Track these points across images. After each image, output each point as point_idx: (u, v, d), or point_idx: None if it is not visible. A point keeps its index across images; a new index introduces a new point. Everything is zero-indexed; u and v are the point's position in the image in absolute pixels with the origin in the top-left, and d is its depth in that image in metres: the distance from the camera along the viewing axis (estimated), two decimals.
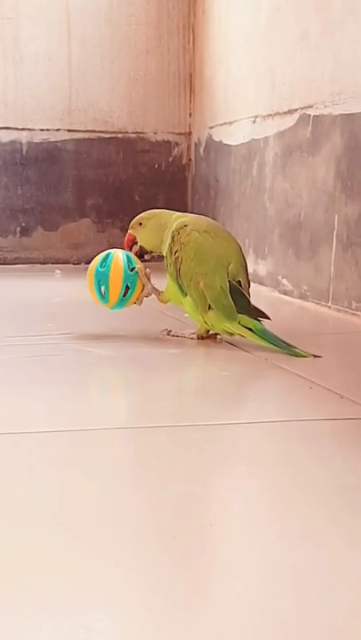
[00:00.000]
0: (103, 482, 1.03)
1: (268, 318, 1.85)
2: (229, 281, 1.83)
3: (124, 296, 1.93)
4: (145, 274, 1.94)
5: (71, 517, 0.91)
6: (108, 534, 0.86)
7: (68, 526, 0.88)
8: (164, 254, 1.93)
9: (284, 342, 1.77)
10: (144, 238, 1.97)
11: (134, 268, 1.92)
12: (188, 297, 1.89)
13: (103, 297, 1.93)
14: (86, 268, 1.99)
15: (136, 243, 1.98)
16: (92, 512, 0.92)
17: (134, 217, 2.01)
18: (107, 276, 1.91)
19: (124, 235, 2.03)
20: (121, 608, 0.71)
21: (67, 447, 1.16)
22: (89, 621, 0.68)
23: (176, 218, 1.96)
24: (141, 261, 1.96)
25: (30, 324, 2.17)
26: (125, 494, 0.99)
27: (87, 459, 1.12)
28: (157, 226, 1.96)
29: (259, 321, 1.83)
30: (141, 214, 2.00)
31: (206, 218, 2.01)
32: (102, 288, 1.92)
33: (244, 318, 1.82)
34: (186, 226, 1.89)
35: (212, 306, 1.84)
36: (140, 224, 1.98)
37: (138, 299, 1.96)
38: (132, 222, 2.00)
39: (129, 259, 1.93)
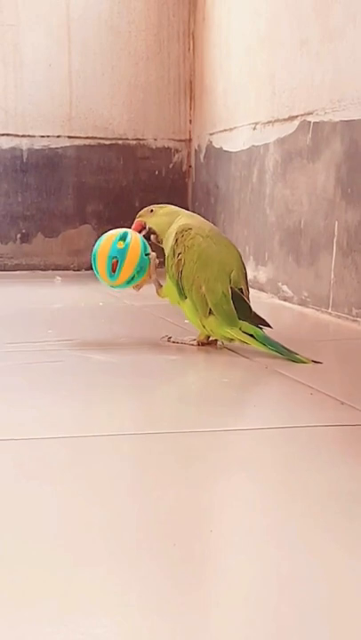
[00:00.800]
0: (103, 488, 1.03)
1: (270, 326, 1.85)
2: (231, 287, 1.84)
3: (132, 278, 1.92)
4: (155, 263, 1.93)
5: (71, 523, 0.91)
6: (108, 540, 0.86)
7: (68, 532, 0.88)
8: (166, 254, 1.93)
9: (285, 348, 1.77)
10: (154, 222, 1.97)
11: (149, 253, 1.92)
12: (187, 300, 1.89)
13: (113, 275, 1.91)
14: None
15: (145, 227, 1.97)
16: (91, 518, 0.92)
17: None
18: (124, 255, 1.89)
19: None
20: (121, 614, 0.70)
21: (66, 454, 1.16)
22: (89, 627, 0.68)
23: (184, 215, 1.97)
24: (147, 242, 1.96)
25: (30, 330, 2.17)
26: (125, 500, 0.99)
27: (87, 465, 1.12)
28: (169, 212, 1.98)
29: (260, 328, 1.83)
30: (148, 207, 2.02)
31: (209, 223, 2.01)
32: (115, 265, 1.90)
33: (246, 325, 1.82)
34: (190, 229, 1.89)
35: (213, 311, 1.84)
36: (152, 211, 1.99)
37: (139, 285, 1.95)
38: (142, 211, 2.00)
39: (144, 243, 1.93)
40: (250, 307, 1.85)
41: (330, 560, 0.81)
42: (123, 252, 1.90)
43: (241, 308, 1.83)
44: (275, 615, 0.71)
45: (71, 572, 0.78)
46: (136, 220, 2.00)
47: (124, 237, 1.91)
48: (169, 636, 0.67)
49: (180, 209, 2.01)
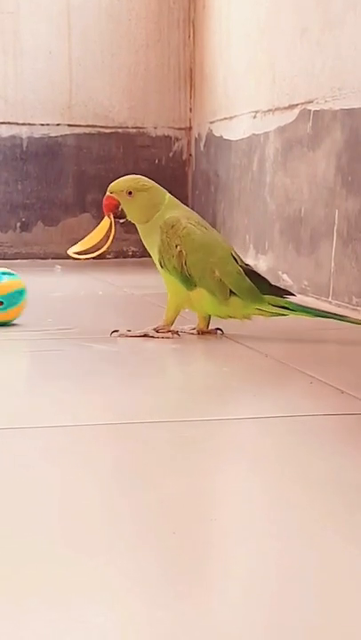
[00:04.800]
0: (103, 476, 1.03)
1: (293, 294, 1.87)
2: (241, 265, 1.86)
3: None
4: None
5: (71, 511, 0.91)
6: (108, 528, 0.86)
7: (68, 520, 0.88)
8: (154, 249, 1.87)
9: (326, 311, 1.80)
10: (131, 211, 1.86)
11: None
12: (197, 289, 1.87)
13: None
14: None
15: (118, 205, 1.85)
16: (92, 506, 0.92)
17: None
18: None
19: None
20: (120, 602, 0.71)
21: (67, 442, 1.16)
22: (89, 616, 0.68)
23: (168, 205, 1.89)
24: (120, 224, 1.88)
25: (30, 319, 2.16)
26: (125, 489, 0.99)
27: (87, 454, 1.12)
28: (150, 205, 1.87)
29: (285, 298, 1.87)
30: (129, 181, 1.87)
31: (192, 211, 2.00)
32: None
33: (273, 298, 1.85)
34: (179, 220, 1.86)
35: (234, 291, 1.84)
36: (130, 193, 1.85)
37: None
38: (118, 186, 1.86)
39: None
40: (267, 280, 1.87)
41: (330, 550, 0.81)
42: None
43: (258, 283, 1.85)
44: (275, 605, 0.71)
45: (71, 561, 0.78)
46: (108, 194, 1.85)
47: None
48: (169, 624, 0.67)
49: (163, 195, 1.90)
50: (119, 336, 1.86)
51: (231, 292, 1.85)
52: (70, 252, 1.93)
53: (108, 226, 1.87)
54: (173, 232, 1.86)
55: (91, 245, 1.90)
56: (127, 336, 1.86)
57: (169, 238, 1.86)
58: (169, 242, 1.86)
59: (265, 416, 1.29)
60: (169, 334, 1.87)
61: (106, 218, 1.87)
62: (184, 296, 1.88)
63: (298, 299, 1.86)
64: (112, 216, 1.86)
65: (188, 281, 1.87)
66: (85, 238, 1.91)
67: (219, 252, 1.87)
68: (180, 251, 1.86)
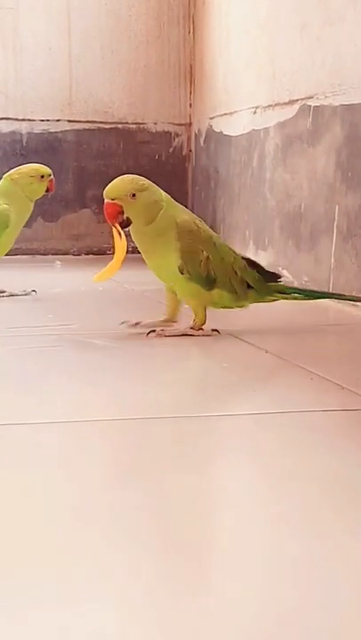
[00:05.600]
0: (102, 472, 1.03)
1: (281, 276, 1.95)
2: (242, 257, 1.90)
3: None
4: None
5: (70, 507, 0.91)
6: (108, 524, 0.86)
7: (68, 515, 0.88)
8: (169, 254, 1.79)
9: (328, 292, 1.87)
10: (135, 214, 1.73)
11: None
12: (215, 290, 1.83)
13: None
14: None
15: (122, 212, 1.72)
16: (91, 502, 0.92)
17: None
18: None
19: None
20: (120, 597, 0.71)
21: (66, 438, 1.16)
22: (88, 610, 0.68)
23: (167, 201, 1.81)
24: (125, 232, 1.76)
25: (31, 315, 2.17)
26: (125, 485, 0.99)
27: (86, 450, 1.12)
28: (152, 202, 1.76)
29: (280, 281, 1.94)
30: (129, 183, 1.74)
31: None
32: None
33: (277, 285, 1.91)
34: (194, 222, 1.82)
35: (251, 285, 1.87)
36: (134, 195, 1.72)
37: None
38: (119, 191, 1.72)
39: None
40: (261, 266, 1.92)
41: (332, 544, 0.82)
42: None
43: (262, 273, 1.90)
44: (277, 598, 0.71)
45: (70, 555, 0.78)
46: (110, 201, 1.72)
47: None
48: (169, 618, 0.67)
49: (158, 190, 1.80)
50: (156, 336, 1.81)
51: (248, 285, 1.88)
52: (95, 280, 1.87)
53: (125, 243, 1.75)
54: (195, 237, 1.79)
55: (117, 269, 1.81)
56: (164, 336, 1.82)
57: (192, 244, 1.79)
58: (193, 248, 1.79)
59: (265, 412, 1.29)
60: (209, 331, 1.85)
61: (119, 236, 1.74)
62: (206, 297, 1.84)
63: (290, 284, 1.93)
64: (118, 226, 1.73)
65: (211, 284, 1.83)
66: (109, 265, 1.80)
67: (228, 250, 1.88)
68: (208, 256, 1.80)
